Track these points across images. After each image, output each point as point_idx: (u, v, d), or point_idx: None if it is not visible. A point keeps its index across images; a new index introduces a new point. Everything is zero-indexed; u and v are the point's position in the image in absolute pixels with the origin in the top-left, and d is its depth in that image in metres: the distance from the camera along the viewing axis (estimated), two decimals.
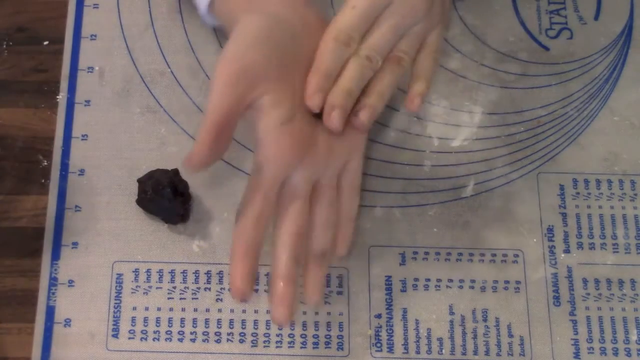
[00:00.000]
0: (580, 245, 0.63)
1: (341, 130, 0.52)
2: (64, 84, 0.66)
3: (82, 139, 0.64)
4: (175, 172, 0.61)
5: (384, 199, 0.63)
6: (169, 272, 0.61)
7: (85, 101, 0.66)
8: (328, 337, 0.60)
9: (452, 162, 0.65)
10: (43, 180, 0.63)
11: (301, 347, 0.60)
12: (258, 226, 0.51)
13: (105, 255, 0.62)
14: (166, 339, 0.60)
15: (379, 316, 0.61)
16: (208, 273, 0.61)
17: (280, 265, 0.51)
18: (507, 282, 0.62)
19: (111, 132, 0.65)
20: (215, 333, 0.60)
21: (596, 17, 0.70)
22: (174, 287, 0.61)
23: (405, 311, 0.61)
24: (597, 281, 0.62)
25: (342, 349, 0.60)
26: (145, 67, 0.67)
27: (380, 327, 0.60)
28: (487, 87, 0.67)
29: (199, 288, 0.61)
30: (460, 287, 0.62)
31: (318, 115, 0.53)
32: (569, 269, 0.62)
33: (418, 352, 0.60)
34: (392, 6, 0.53)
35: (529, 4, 0.70)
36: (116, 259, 0.61)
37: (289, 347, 0.60)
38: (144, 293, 0.61)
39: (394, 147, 0.65)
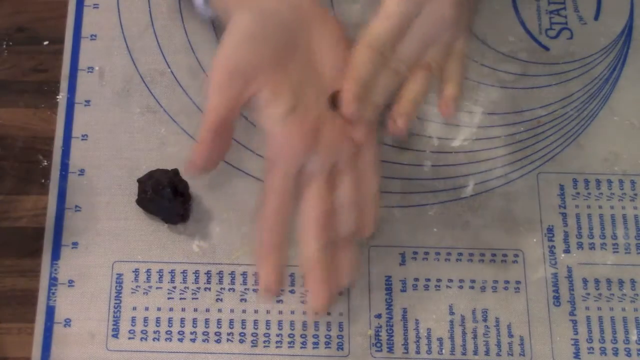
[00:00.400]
0: (580, 245, 0.63)
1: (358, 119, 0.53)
2: (64, 84, 0.66)
3: (82, 139, 0.64)
4: (175, 172, 0.61)
5: (384, 199, 0.63)
6: (169, 272, 0.61)
7: (85, 101, 0.66)
8: (328, 337, 0.60)
9: (452, 162, 0.65)
10: (43, 180, 0.63)
11: (301, 347, 0.60)
12: (281, 221, 0.51)
13: (105, 255, 0.61)
14: (166, 339, 0.60)
15: (379, 316, 0.61)
16: (208, 273, 0.61)
17: (310, 252, 0.52)
18: (507, 282, 0.62)
19: (111, 132, 0.65)
20: (215, 333, 0.60)
21: (596, 17, 0.70)
22: (174, 287, 0.61)
23: (405, 311, 0.61)
24: (597, 281, 0.62)
25: (342, 349, 0.60)
26: (145, 67, 0.67)
27: (380, 327, 0.60)
28: (487, 87, 0.67)
29: (199, 288, 0.61)
30: (460, 287, 0.62)
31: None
32: (569, 269, 0.62)
33: (418, 352, 0.60)
34: (422, 16, 0.54)
35: (529, 4, 0.70)
36: (116, 259, 0.61)
37: (289, 347, 0.60)
38: (144, 293, 0.61)
39: (394, 147, 0.65)
